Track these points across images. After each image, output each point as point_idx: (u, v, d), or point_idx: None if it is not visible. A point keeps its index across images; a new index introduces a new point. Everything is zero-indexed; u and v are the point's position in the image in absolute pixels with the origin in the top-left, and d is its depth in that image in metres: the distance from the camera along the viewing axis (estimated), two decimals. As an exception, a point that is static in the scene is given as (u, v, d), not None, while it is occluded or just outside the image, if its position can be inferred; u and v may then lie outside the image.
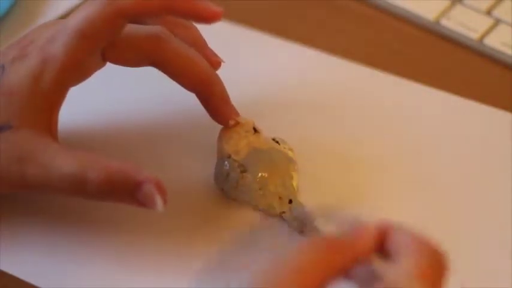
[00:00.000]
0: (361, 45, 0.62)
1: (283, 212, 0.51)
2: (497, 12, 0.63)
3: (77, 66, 0.49)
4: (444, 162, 0.55)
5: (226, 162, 0.51)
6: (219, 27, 0.62)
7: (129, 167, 0.46)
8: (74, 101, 0.52)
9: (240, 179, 0.51)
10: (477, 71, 0.61)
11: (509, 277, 0.49)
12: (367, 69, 0.60)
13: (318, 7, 0.65)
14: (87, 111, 0.57)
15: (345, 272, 0.39)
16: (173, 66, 0.51)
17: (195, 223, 0.51)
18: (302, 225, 0.50)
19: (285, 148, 0.52)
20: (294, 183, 0.52)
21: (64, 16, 0.63)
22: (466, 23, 0.63)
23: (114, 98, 0.58)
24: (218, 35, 0.60)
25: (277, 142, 0.52)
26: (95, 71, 0.51)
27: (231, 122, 0.52)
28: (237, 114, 0.52)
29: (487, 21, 0.63)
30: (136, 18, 0.50)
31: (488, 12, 0.63)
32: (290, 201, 0.51)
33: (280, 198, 0.51)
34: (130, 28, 0.50)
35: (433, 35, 0.63)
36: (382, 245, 0.40)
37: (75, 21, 0.48)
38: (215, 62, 0.53)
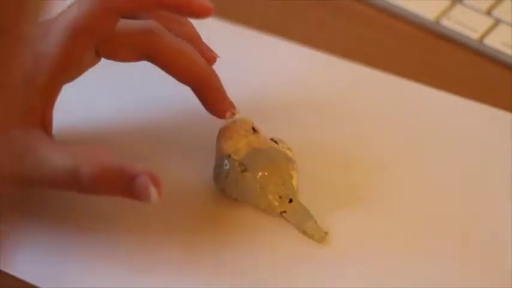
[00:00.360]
0: (361, 45, 0.62)
1: (284, 211, 0.51)
2: (497, 12, 0.63)
3: (70, 63, 0.49)
4: (444, 162, 0.55)
5: (226, 162, 0.51)
6: (219, 26, 0.62)
7: (123, 161, 0.46)
8: (72, 101, 0.52)
9: (241, 178, 0.51)
10: (477, 71, 0.61)
11: (509, 277, 0.49)
12: (367, 69, 0.60)
13: (318, 7, 0.65)
14: (85, 111, 0.57)
15: None
16: (167, 60, 0.51)
17: (195, 223, 0.51)
18: (303, 224, 0.50)
19: (283, 147, 0.52)
20: (294, 182, 0.52)
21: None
22: (466, 23, 0.63)
23: (113, 98, 0.58)
24: (218, 35, 0.60)
25: (275, 142, 0.52)
26: (90, 67, 0.51)
27: (228, 114, 0.52)
28: (234, 106, 0.52)
29: (487, 21, 0.63)
30: (130, 14, 0.50)
31: (488, 12, 0.63)
32: (290, 201, 0.51)
33: (280, 197, 0.51)
34: (124, 23, 0.50)
35: (433, 35, 0.63)
36: None
37: (68, 18, 0.48)
38: (210, 57, 0.53)
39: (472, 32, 0.62)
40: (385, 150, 0.55)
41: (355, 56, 0.61)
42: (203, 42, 0.54)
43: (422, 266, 0.50)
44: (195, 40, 0.53)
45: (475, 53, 0.62)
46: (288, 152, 0.52)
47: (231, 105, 0.52)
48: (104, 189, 0.47)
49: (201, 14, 0.49)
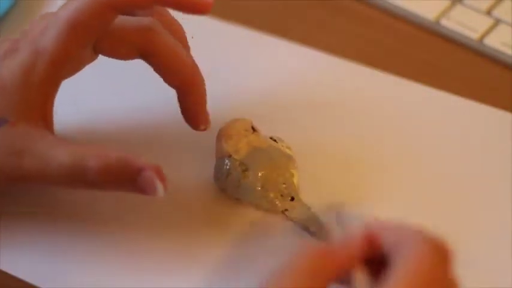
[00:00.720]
0: (361, 45, 0.62)
1: (286, 210, 0.51)
2: (497, 12, 0.63)
3: (67, 58, 0.49)
4: (444, 162, 0.54)
5: (227, 162, 0.51)
6: (219, 27, 0.62)
7: (128, 155, 0.46)
8: (72, 100, 0.52)
9: (242, 178, 0.51)
10: (477, 71, 0.61)
11: (509, 277, 0.49)
12: (367, 69, 0.60)
13: (318, 7, 0.65)
14: (86, 110, 0.57)
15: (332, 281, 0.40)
16: (161, 59, 0.51)
17: (196, 223, 0.51)
18: (305, 222, 0.50)
19: (283, 146, 0.52)
20: (295, 181, 0.52)
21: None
22: (466, 23, 0.63)
23: (113, 97, 0.58)
24: (218, 35, 0.60)
25: (275, 140, 0.53)
26: (87, 63, 0.51)
27: (202, 128, 0.52)
28: (209, 122, 0.52)
29: (487, 21, 0.63)
30: (128, 10, 0.50)
31: (488, 12, 0.63)
32: (292, 199, 0.51)
33: (282, 195, 0.51)
34: (122, 20, 0.50)
35: (433, 35, 0.63)
36: (374, 248, 0.40)
37: (65, 13, 0.48)
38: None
39: (472, 32, 0.62)
40: (385, 150, 0.55)
41: (355, 56, 0.61)
42: (188, 45, 0.53)
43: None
44: (183, 43, 0.53)
45: (475, 53, 0.62)
46: (287, 150, 0.52)
47: (207, 120, 0.52)
48: (109, 183, 0.46)
49: (201, 9, 0.49)
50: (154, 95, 0.57)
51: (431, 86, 0.59)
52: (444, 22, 0.63)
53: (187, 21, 0.53)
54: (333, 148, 0.55)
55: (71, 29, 0.48)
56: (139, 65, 0.52)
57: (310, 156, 0.54)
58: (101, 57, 0.52)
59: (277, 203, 0.51)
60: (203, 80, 0.52)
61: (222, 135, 0.52)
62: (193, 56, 0.52)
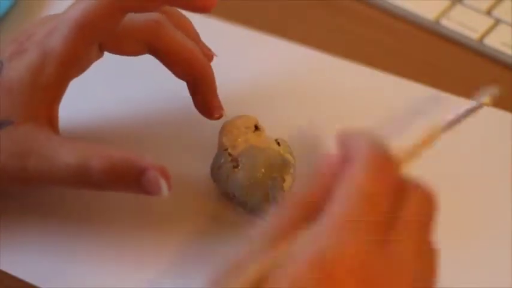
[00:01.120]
0: (361, 45, 0.62)
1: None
2: (497, 12, 0.63)
3: (76, 58, 0.49)
4: (444, 162, 0.54)
5: (221, 155, 0.51)
6: (219, 27, 0.62)
7: (132, 155, 0.46)
8: (74, 99, 0.51)
9: (231, 173, 0.51)
10: (477, 71, 0.61)
11: (509, 277, 0.49)
12: (367, 69, 0.60)
13: (318, 7, 0.65)
14: (86, 108, 0.57)
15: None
16: (170, 53, 0.51)
17: (196, 222, 0.51)
18: None
19: (284, 150, 0.52)
20: (286, 186, 0.51)
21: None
22: (466, 23, 0.63)
23: (113, 95, 0.58)
24: (218, 35, 0.60)
25: (278, 143, 0.52)
26: (93, 62, 0.51)
27: (217, 114, 0.52)
28: (222, 108, 0.53)
29: (487, 21, 0.63)
30: (136, 11, 0.50)
31: (488, 12, 0.63)
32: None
33: (268, 198, 0.51)
34: (128, 16, 0.50)
35: (433, 35, 0.63)
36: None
37: (74, 14, 0.48)
38: (208, 56, 0.53)
39: (472, 32, 0.62)
40: (385, 150, 0.55)
41: (355, 56, 0.61)
42: (201, 40, 0.54)
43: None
44: (193, 37, 0.53)
45: (475, 53, 0.62)
46: (287, 155, 0.52)
47: (221, 107, 0.52)
48: (114, 183, 0.46)
49: (205, 8, 0.49)
50: (154, 92, 0.57)
51: (431, 86, 0.59)
52: (444, 22, 0.63)
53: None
54: (333, 148, 0.55)
55: (80, 30, 0.48)
56: (137, 63, 0.52)
57: (309, 156, 0.54)
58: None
59: (261, 205, 0.51)
60: (212, 72, 0.52)
61: (223, 129, 0.52)
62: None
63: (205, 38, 0.54)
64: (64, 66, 0.48)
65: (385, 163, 0.38)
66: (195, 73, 0.51)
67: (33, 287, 0.49)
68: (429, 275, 0.38)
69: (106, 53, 0.52)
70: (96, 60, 0.51)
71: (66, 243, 0.50)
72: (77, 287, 0.49)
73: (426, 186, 0.38)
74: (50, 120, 0.48)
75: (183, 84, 0.53)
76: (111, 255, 0.50)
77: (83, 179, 0.46)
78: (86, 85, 0.53)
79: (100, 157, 0.46)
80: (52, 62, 0.48)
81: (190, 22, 0.53)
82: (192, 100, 0.53)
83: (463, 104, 0.47)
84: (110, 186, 0.47)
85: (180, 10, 0.53)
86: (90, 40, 0.49)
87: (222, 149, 0.52)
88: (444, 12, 0.63)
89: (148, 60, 0.52)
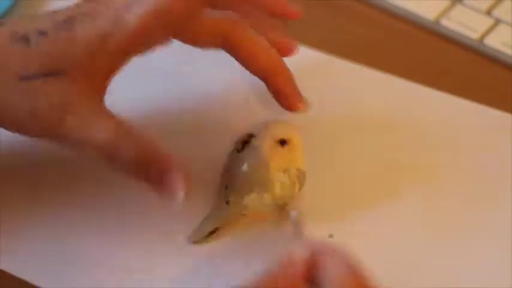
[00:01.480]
0: (361, 45, 0.62)
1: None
2: (497, 12, 0.63)
3: (145, 39, 0.49)
4: (444, 162, 0.55)
5: (240, 141, 0.51)
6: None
7: (165, 151, 0.46)
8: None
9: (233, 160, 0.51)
10: (477, 71, 0.61)
11: (509, 277, 0.49)
12: (367, 69, 0.60)
13: (318, 7, 0.65)
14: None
15: None
16: (244, 51, 0.51)
17: (196, 221, 0.52)
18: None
19: (287, 179, 0.51)
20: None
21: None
22: (466, 23, 0.63)
23: (121, 95, 0.58)
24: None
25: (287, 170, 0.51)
26: (161, 46, 0.51)
27: (300, 106, 0.52)
28: (305, 101, 0.52)
29: (487, 21, 0.63)
30: (219, 5, 0.50)
31: (488, 12, 0.63)
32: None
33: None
34: (207, 11, 0.50)
35: (433, 35, 0.63)
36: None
37: None
38: (291, 46, 0.54)
39: (472, 32, 0.62)
40: (384, 151, 0.55)
41: (355, 56, 0.61)
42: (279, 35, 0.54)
43: (423, 266, 0.50)
44: (271, 29, 0.54)
45: (475, 53, 0.62)
46: (288, 183, 0.51)
47: (303, 100, 0.52)
48: (137, 171, 0.46)
49: (292, 16, 0.50)
50: (161, 94, 0.58)
51: (431, 86, 0.59)
52: (444, 22, 0.63)
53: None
54: (333, 148, 0.55)
55: (156, 15, 0.48)
56: (141, 62, 0.52)
57: (308, 155, 0.54)
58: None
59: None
60: (286, 67, 0.52)
61: (262, 127, 0.52)
62: (189, 58, 0.52)
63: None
64: (132, 42, 0.48)
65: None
66: (270, 71, 0.52)
67: (34, 287, 0.49)
68: None
69: None
70: (165, 45, 0.51)
71: (67, 243, 0.50)
72: (77, 287, 0.49)
73: None
74: (100, 88, 0.48)
75: (186, 86, 0.52)
76: (111, 256, 0.50)
77: (110, 157, 0.46)
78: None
79: (133, 142, 0.46)
80: (123, 33, 0.47)
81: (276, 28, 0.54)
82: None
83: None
84: (132, 172, 0.47)
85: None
86: (164, 27, 0.49)
87: (244, 139, 0.52)
88: (444, 12, 0.63)
89: (145, 62, 0.52)
